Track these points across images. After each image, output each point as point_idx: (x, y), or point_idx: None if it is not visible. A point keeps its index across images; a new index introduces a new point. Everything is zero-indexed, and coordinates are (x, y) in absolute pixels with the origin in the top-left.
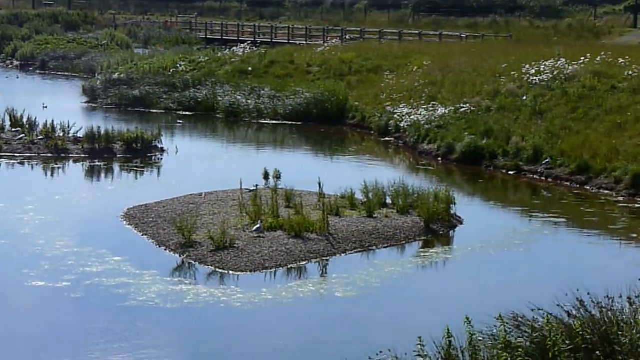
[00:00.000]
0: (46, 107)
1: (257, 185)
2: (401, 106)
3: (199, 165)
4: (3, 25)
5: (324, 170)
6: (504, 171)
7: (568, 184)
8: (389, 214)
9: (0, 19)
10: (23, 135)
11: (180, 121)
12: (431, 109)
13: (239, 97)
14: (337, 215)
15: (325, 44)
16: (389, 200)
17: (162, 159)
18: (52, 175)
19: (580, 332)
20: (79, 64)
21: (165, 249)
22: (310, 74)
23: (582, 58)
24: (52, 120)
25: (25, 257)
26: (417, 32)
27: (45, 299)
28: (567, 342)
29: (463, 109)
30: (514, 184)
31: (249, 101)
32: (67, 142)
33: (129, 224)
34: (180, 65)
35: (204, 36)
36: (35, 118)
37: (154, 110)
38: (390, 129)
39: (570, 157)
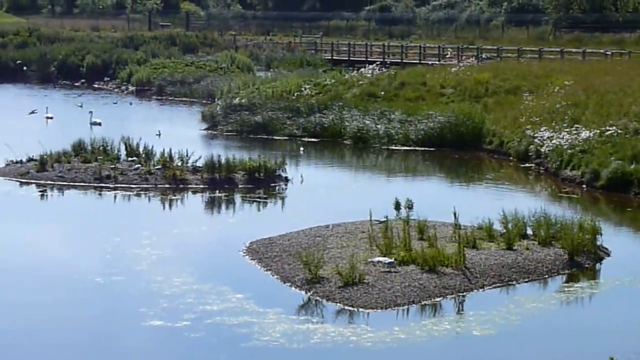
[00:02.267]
0: (159, 134)
1: (387, 216)
2: (542, 130)
3: (326, 195)
4: (118, 48)
5: (459, 199)
6: None
7: None
8: (529, 245)
9: (115, 42)
10: (139, 165)
11: (302, 149)
12: (574, 132)
13: (367, 122)
14: (473, 248)
15: (460, 64)
16: (529, 231)
17: (286, 189)
18: (169, 207)
19: None
20: (197, 88)
21: (291, 285)
22: (443, 96)
23: None
24: (170, 149)
25: (142, 295)
26: (558, 49)
27: (164, 340)
28: None
29: (609, 132)
30: None
31: (379, 126)
32: (186, 172)
33: (251, 259)
34: (305, 89)
35: (329, 57)
36: (152, 147)
37: (277, 137)
38: (530, 154)
39: None
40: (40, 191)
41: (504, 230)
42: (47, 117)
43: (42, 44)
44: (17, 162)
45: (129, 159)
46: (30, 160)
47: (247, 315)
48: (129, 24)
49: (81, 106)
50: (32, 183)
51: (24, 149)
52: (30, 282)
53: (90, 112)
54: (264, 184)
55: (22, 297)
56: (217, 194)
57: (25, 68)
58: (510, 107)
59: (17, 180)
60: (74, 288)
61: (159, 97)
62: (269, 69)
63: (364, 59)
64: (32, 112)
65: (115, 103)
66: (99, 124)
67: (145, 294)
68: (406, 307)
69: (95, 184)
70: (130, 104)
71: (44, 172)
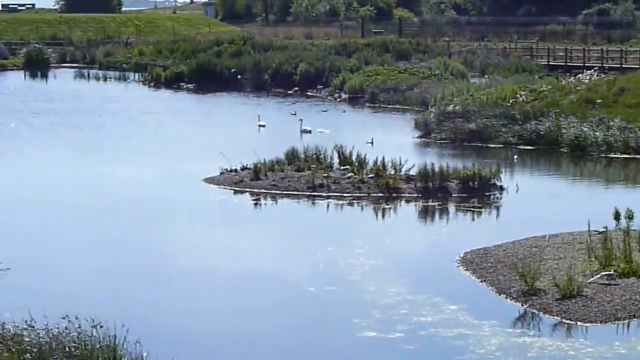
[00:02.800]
0: (372, 142)
1: (606, 227)
2: None
3: (542, 204)
4: (331, 56)
5: None
6: None
7: None
8: None
9: (328, 49)
10: (352, 173)
11: (516, 157)
12: None
13: (585, 129)
14: None
15: None
16: None
17: (501, 197)
18: (382, 216)
19: None
20: (410, 95)
21: (506, 297)
22: None
23: None
24: (383, 157)
25: (355, 306)
26: None
27: (377, 351)
28: None
29: None
30: None
31: (597, 133)
32: (399, 181)
33: (466, 269)
34: (520, 95)
35: (545, 62)
36: (365, 155)
37: (492, 145)
38: None
39: None
40: (254, 199)
41: None
42: (260, 125)
43: (256, 52)
44: (231, 171)
45: (342, 167)
46: (244, 168)
47: (461, 327)
48: (342, 31)
49: (295, 114)
50: (246, 191)
51: (237, 158)
52: (245, 288)
53: (300, 120)
54: (478, 193)
55: (237, 302)
56: (431, 202)
57: (239, 76)
58: None
59: (232, 189)
60: (288, 296)
61: (372, 105)
62: (483, 75)
63: (582, 64)
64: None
65: (325, 110)
66: (309, 131)
67: (359, 304)
68: (627, 321)
69: (308, 193)
70: (344, 111)
71: (257, 180)
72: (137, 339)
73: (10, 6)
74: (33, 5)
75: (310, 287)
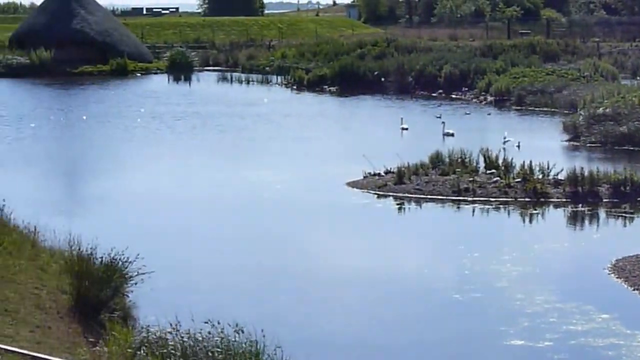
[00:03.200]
0: (518, 146)
1: None
2: None
3: None
4: (476, 58)
5: None
6: None
7: None
8: None
9: (473, 51)
10: (498, 178)
11: None
12: None
13: None
14: None
15: None
16: None
17: None
18: (530, 221)
19: None
20: (558, 98)
21: None
22: None
23: None
24: (530, 161)
25: (502, 313)
26: None
27: None
28: None
29: None
30: None
31: None
32: (547, 185)
33: (617, 277)
34: None
35: None
36: (512, 159)
37: None
38: None
39: None
40: (398, 204)
41: None
42: (402, 128)
43: (399, 55)
44: (374, 175)
45: (488, 171)
46: (387, 172)
47: (613, 337)
48: (487, 33)
49: (440, 117)
50: (389, 195)
51: (381, 161)
52: (388, 294)
53: (443, 122)
54: (630, 198)
55: (380, 308)
56: (580, 208)
57: (382, 79)
58: None
59: (375, 193)
60: (433, 303)
61: (518, 107)
62: (634, 76)
63: None
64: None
65: (468, 113)
66: (452, 134)
67: (506, 312)
68: None
69: (453, 197)
70: (489, 114)
71: (401, 184)
72: (278, 344)
73: (155, 10)
74: (177, 9)
75: (455, 294)
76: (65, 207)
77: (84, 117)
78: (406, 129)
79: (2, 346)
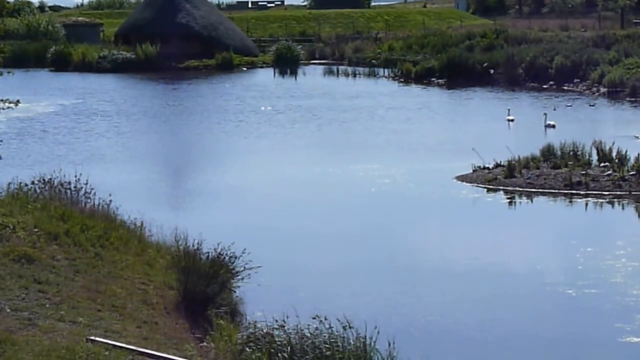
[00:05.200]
0: (638, 138)
1: None
2: None
3: None
4: (588, 48)
5: None
6: None
7: None
8: None
9: (585, 41)
10: (611, 171)
11: None
12: None
13: None
14: None
15: None
16: None
17: None
18: None
19: None
20: None
21: None
22: None
23: None
24: None
25: (617, 310)
26: None
27: None
28: None
29: None
30: None
31: None
32: None
33: None
34: None
35: None
36: (626, 151)
37: None
38: None
39: None
40: (508, 198)
41: None
42: (508, 120)
43: (509, 46)
44: (484, 168)
45: (601, 164)
46: (497, 166)
47: None
48: (599, 23)
49: (555, 109)
50: (499, 189)
51: (489, 154)
52: (500, 289)
53: (545, 114)
54: None
55: (491, 304)
56: None
57: (492, 71)
58: None
59: (485, 187)
60: (546, 299)
61: (633, 99)
62: None
63: None
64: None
65: (570, 106)
66: (553, 126)
67: (621, 309)
68: None
69: (565, 191)
70: (591, 105)
71: (511, 178)
72: (388, 340)
73: (260, 3)
74: (282, 1)
75: (568, 290)
76: (170, 202)
77: (189, 112)
78: (512, 120)
79: (110, 342)
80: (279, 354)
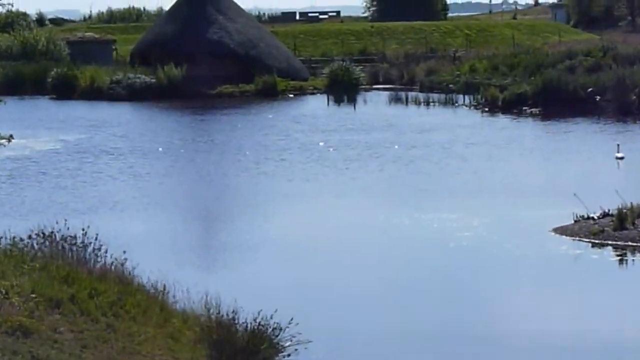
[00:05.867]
0: None
1: None
2: None
3: None
4: None
5: None
6: None
7: None
8: None
9: None
10: None
11: None
12: None
13: None
14: None
15: None
16: None
17: None
18: None
19: None
20: None
21: None
22: None
23: None
24: None
25: None
26: None
27: None
28: None
29: None
30: None
31: None
32: None
33: None
34: None
35: None
36: None
37: None
38: None
39: None
40: (619, 255)
41: None
42: (618, 158)
43: (619, 67)
44: (588, 218)
45: None
46: (605, 215)
47: None
48: None
49: None
50: (607, 244)
51: (594, 200)
52: None
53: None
54: None
55: None
56: None
57: (598, 98)
58: None
59: (589, 241)
60: None
61: None
62: None
63: None
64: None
65: None
66: (622, 158)
67: None
68: None
69: None
70: None
71: (622, 230)
72: None
73: (310, 14)
74: (338, 12)
75: None
76: (199, 259)
77: (221, 149)
78: (622, 158)
79: None
80: None
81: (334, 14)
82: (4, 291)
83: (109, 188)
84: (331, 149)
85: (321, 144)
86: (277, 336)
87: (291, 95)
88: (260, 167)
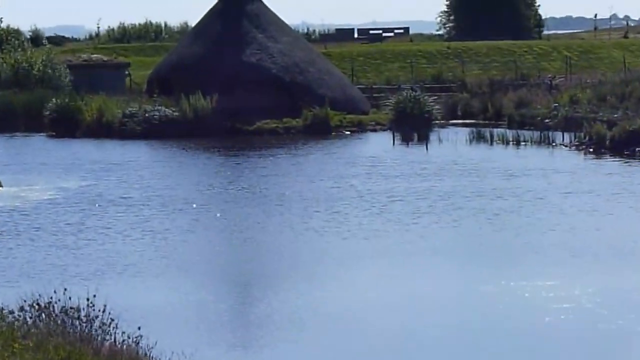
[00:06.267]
0: None
1: None
2: None
3: None
4: None
5: None
6: None
7: None
8: None
9: None
10: None
11: None
12: None
13: None
14: None
15: None
16: None
17: None
18: None
19: None
20: None
21: None
22: None
23: None
24: None
25: None
26: None
27: None
28: None
29: None
30: None
31: None
32: None
33: None
34: None
35: None
36: None
37: None
38: None
39: None
40: None
41: None
42: None
43: None
44: None
45: None
46: None
47: None
48: None
49: None
50: None
51: None
52: None
53: None
54: None
55: None
56: None
57: None
58: None
59: None
60: None
61: None
62: None
63: None
64: None
65: None
66: None
67: None
68: None
69: None
70: None
71: None
72: None
73: (372, 32)
74: (406, 29)
75: None
76: (231, 335)
77: (259, 199)
78: None
79: None
80: None
81: (401, 31)
82: None
83: (118, 248)
84: (396, 200)
85: (384, 193)
86: None
87: (347, 132)
88: (308, 222)
